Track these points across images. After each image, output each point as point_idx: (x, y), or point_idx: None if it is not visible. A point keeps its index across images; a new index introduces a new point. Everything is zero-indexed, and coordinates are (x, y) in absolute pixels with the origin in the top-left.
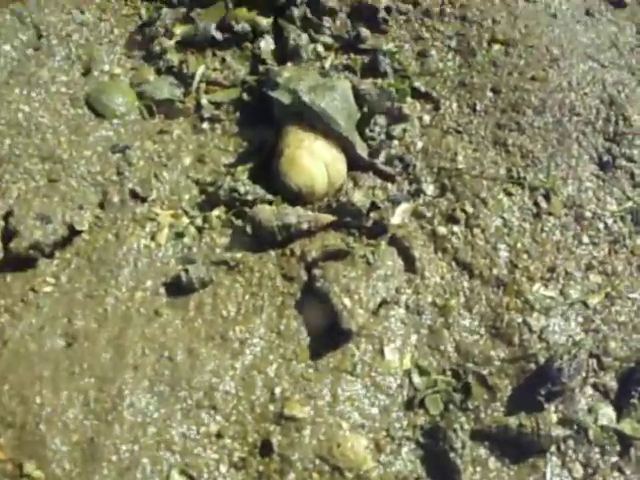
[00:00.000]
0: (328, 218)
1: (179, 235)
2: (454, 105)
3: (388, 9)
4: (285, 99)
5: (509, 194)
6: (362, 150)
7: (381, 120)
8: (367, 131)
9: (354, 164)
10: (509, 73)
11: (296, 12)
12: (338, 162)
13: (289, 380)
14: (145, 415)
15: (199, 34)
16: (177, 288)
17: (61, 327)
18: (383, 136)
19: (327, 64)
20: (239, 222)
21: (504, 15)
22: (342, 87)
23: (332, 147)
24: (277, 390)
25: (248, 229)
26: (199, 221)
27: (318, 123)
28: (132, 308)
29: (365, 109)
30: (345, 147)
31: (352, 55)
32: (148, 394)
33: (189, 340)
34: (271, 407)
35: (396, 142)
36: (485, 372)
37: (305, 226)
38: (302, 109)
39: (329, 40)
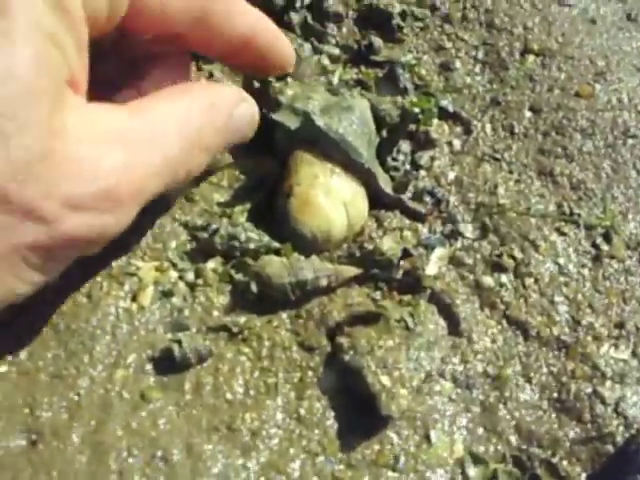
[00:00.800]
0: (352, 271)
1: (166, 294)
2: (488, 127)
3: (403, 14)
4: (292, 123)
5: (562, 234)
6: (386, 184)
7: (405, 146)
8: (389, 160)
9: (377, 201)
10: (549, 89)
11: (296, 18)
12: (359, 200)
13: None
14: None
15: None
16: (168, 364)
17: (21, 420)
18: (408, 166)
19: (335, 79)
20: (240, 276)
21: (537, 21)
22: (360, 107)
23: (352, 181)
24: None
25: (253, 287)
26: (190, 275)
27: (335, 153)
28: (112, 392)
29: (385, 134)
30: (367, 181)
31: (363, 68)
32: None
33: (187, 433)
34: None
35: (423, 173)
36: (555, 459)
37: (324, 282)
38: (315, 135)
39: (335, 51)
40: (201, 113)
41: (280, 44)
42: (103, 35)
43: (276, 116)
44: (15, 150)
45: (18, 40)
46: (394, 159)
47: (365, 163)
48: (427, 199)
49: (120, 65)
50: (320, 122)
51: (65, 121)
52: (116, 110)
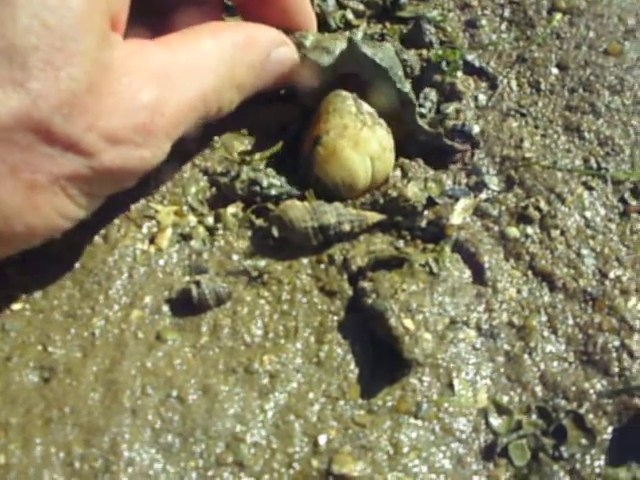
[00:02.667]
0: (376, 217)
1: (185, 237)
2: (513, 83)
3: None
4: (324, 60)
5: (589, 188)
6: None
7: (432, 94)
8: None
9: (409, 144)
10: (576, 46)
11: None
12: (387, 154)
13: (336, 426)
14: (149, 477)
15: None
16: (185, 305)
17: (35, 357)
18: (434, 114)
19: (359, 34)
20: (261, 221)
21: None
22: (388, 49)
23: (381, 133)
24: (322, 439)
25: (274, 231)
26: (210, 220)
27: (379, 82)
28: (127, 332)
29: (409, 83)
30: (402, 117)
31: (388, 24)
32: (152, 448)
33: (203, 374)
34: (315, 463)
35: (450, 123)
36: (581, 411)
37: (347, 227)
38: (359, 62)
39: (360, 6)
40: (235, 49)
41: (304, 9)
42: None
43: (310, 54)
44: (63, 82)
45: None
46: (421, 105)
47: (409, 93)
48: (458, 140)
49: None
50: (366, 50)
51: (111, 56)
52: (153, 46)
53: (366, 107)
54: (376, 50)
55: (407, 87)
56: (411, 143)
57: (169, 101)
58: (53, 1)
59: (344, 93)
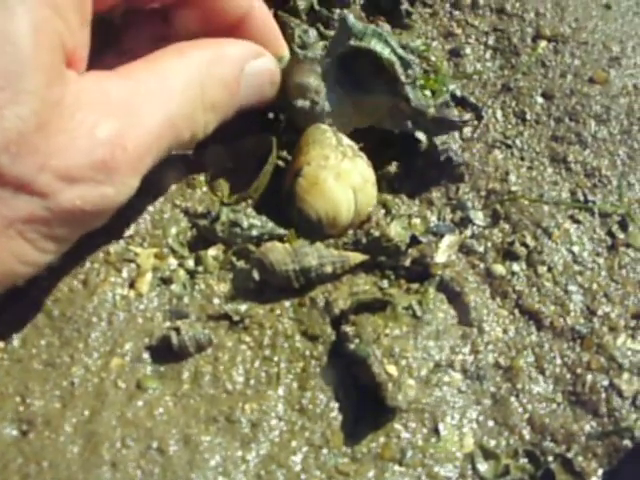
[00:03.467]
0: (359, 257)
1: (165, 281)
2: (499, 113)
3: (412, 0)
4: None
5: (576, 222)
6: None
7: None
8: None
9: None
10: (562, 75)
11: (302, 4)
12: (368, 186)
13: (320, 475)
14: None
15: None
16: (166, 353)
17: (12, 409)
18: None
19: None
20: (242, 263)
21: (549, 7)
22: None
23: (363, 166)
24: None
25: (255, 275)
26: (190, 263)
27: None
28: (107, 380)
29: None
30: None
31: None
32: None
33: (184, 424)
34: None
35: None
36: (570, 454)
37: (329, 269)
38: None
39: None
40: (203, 66)
41: (271, 34)
42: (110, 10)
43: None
44: (8, 121)
45: (17, 6)
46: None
47: (404, 58)
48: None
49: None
50: (356, 23)
51: (62, 93)
52: (113, 77)
53: (346, 140)
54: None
55: (401, 52)
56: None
57: (131, 133)
58: None
59: (323, 126)
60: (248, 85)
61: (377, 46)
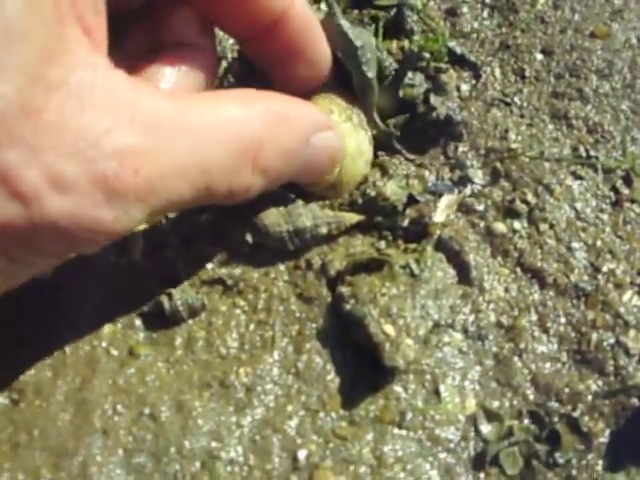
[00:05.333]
0: (354, 218)
1: (158, 247)
2: (497, 71)
3: None
4: None
5: (579, 178)
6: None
7: (418, 77)
8: (406, 80)
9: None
10: (562, 30)
11: None
12: (360, 162)
13: (317, 439)
14: None
15: None
16: (158, 318)
17: (2, 377)
18: (424, 86)
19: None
20: (235, 227)
21: None
22: (368, 34)
23: (364, 141)
24: (301, 454)
25: (248, 238)
26: (183, 228)
27: (347, 60)
28: (98, 348)
29: (392, 72)
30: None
31: (365, 12)
32: (124, 469)
33: (177, 390)
34: (294, 479)
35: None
36: (576, 414)
37: (324, 230)
38: (333, 32)
39: None
40: (265, 123)
41: (315, 36)
42: None
43: None
44: None
45: None
46: (411, 79)
47: (372, 80)
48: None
49: (142, 47)
50: (343, 22)
51: (66, 76)
52: (147, 87)
53: (357, 110)
54: (354, 27)
55: (372, 73)
56: None
57: (150, 158)
58: None
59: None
60: (309, 159)
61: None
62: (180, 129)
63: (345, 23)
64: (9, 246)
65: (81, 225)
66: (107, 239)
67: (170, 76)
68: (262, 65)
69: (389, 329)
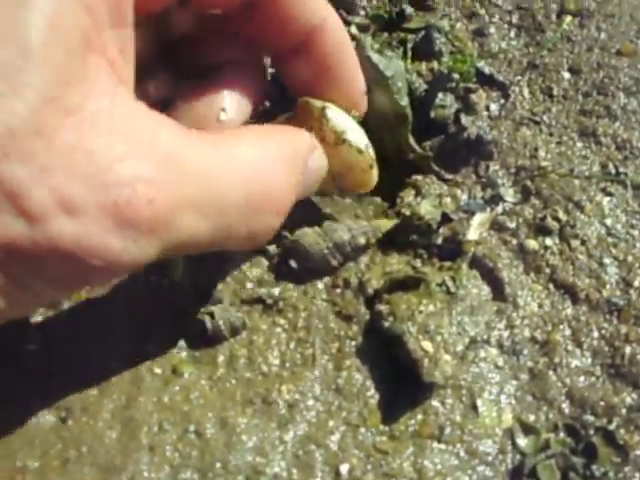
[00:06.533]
0: (388, 223)
1: (198, 266)
2: (525, 91)
3: None
4: None
5: (609, 194)
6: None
7: (450, 97)
8: (437, 101)
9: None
10: (588, 49)
11: None
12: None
13: (358, 454)
14: None
15: None
16: (200, 337)
17: (51, 396)
18: (455, 107)
19: (366, 45)
20: (273, 248)
21: None
22: (396, 61)
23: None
24: (343, 469)
25: (293, 264)
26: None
27: (378, 90)
28: (142, 367)
29: (422, 92)
30: (394, 132)
31: (394, 35)
32: None
33: (221, 407)
34: None
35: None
36: (611, 427)
37: (363, 240)
38: (363, 63)
39: (365, 21)
40: (284, 162)
41: (349, 54)
42: (157, 10)
43: None
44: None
45: None
46: (442, 100)
47: (405, 107)
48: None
49: (172, 78)
50: (372, 54)
51: (84, 102)
52: (166, 120)
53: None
54: (383, 57)
55: (405, 101)
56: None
57: (167, 189)
58: (4, 24)
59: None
60: (308, 184)
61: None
62: (197, 165)
63: (374, 55)
64: (12, 266)
65: (87, 251)
66: (114, 271)
67: (231, 102)
68: (294, 90)
69: (427, 345)
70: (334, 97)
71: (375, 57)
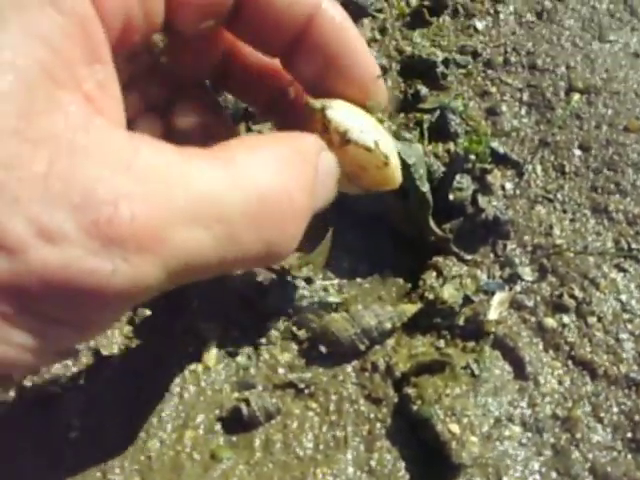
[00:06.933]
0: (413, 308)
1: (231, 354)
2: (538, 168)
3: (446, 62)
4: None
5: (622, 270)
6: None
7: (466, 179)
8: (454, 183)
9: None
10: (597, 126)
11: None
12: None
13: None
14: None
15: None
16: (237, 423)
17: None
18: (472, 188)
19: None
20: (302, 333)
21: (578, 59)
22: (417, 147)
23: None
24: None
25: (322, 348)
26: (253, 334)
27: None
28: (182, 453)
29: (440, 174)
30: (415, 215)
31: (411, 117)
32: None
33: None
34: None
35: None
36: None
37: (389, 325)
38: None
39: None
40: (288, 165)
41: (351, 36)
42: (135, 42)
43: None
44: None
45: None
46: (459, 183)
47: (426, 193)
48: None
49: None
50: (395, 143)
51: (55, 132)
52: (155, 142)
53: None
54: (405, 146)
55: (426, 187)
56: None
57: (149, 203)
58: None
59: None
60: (321, 186)
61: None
62: (185, 177)
63: (396, 144)
64: (3, 305)
65: (73, 277)
66: (111, 297)
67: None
68: (307, 90)
69: (454, 428)
70: (346, 89)
71: (397, 146)
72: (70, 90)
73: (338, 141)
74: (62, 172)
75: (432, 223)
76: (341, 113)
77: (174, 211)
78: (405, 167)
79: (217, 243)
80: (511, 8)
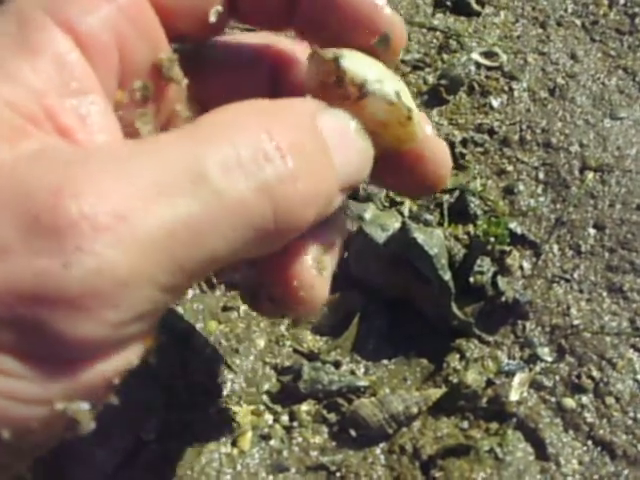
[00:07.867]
0: (437, 393)
1: (265, 437)
2: (555, 248)
3: (464, 142)
4: (379, 235)
5: (638, 350)
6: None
7: (487, 262)
8: (475, 267)
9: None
10: (610, 205)
11: None
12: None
13: None
14: None
15: None
16: None
17: None
18: (492, 272)
19: (405, 210)
20: (333, 416)
21: (591, 137)
22: (438, 235)
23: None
24: None
25: (352, 432)
26: (285, 418)
27: (423, 267)
28: None
29: (461, 256)
30: (436, 301)
31: (430, 199)
32: None
33: None
34: None
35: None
36: None
37: (415, 409)
38: (408, 243)
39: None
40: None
41: (387, 17)
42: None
43: (367, 228)
44: None
45: None
46: (479, 266)
47: (448, 282)
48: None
49: None
50: (417, 234)
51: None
52: (121, 140)
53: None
54: (426, 236)
55: (447, 276)
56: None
57: (98, 182)
58: None
59: None
60: (341, 149)
61: None
62: (141, 150)
63: (419, 235)
64: None
65: (22, 288)
66: (77, 299)
67: None
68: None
69: None
70: (360, 39)
71: (420, 238)
72: (43, 121)
73: (356, 94)
74: (4, 194)
75: (454, 308)
76: (356, 62)
77: (130, 186)
78: (428, 258)
79: (205, 206)
80: (524, 85)
